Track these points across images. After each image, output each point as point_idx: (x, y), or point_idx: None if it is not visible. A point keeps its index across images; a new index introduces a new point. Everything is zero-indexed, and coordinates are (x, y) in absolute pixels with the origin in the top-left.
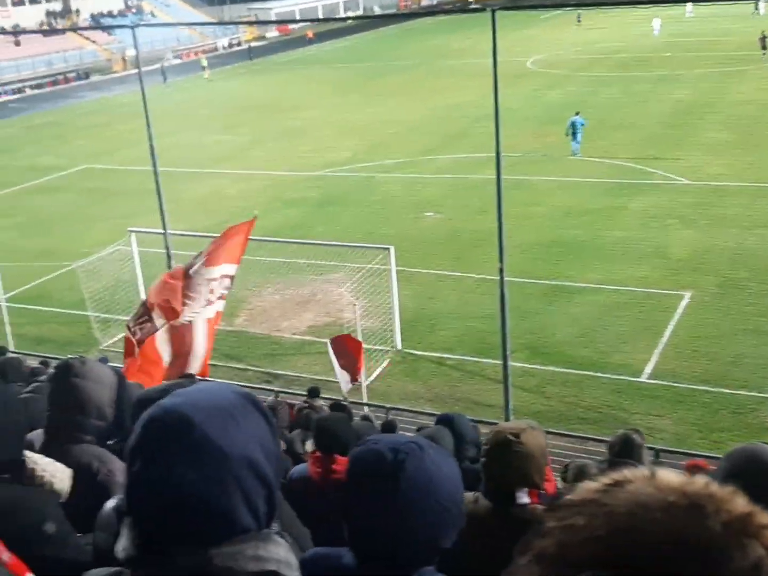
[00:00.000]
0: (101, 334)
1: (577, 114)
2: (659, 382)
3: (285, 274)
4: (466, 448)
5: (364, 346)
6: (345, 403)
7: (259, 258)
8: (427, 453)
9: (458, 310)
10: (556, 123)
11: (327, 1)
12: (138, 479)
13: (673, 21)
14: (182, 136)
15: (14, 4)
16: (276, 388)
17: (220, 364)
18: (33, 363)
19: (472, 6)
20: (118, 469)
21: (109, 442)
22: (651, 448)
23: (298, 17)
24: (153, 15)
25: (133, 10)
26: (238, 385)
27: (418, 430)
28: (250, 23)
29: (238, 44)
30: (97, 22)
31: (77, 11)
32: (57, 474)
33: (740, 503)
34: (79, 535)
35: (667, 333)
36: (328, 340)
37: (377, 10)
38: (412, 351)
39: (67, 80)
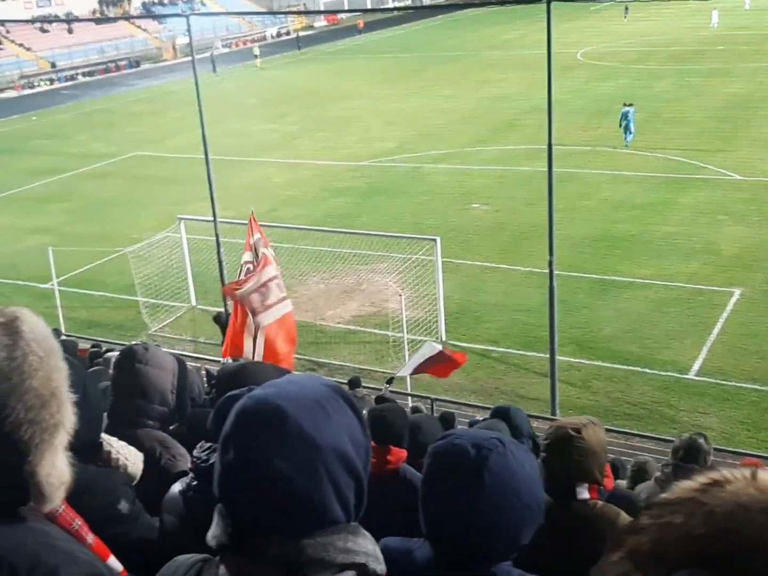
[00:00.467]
0: (150, 319)
1: (629, 105)
2: (707, 380)
3: (330, 263)
4: (522, 441)
5: (408, 336)
6: (387, 396)
7: (304, 247)
8: (509, 450)
9: (504, 303)
10: (606, 116)
11: None
12: (231, 468)
13: (731, 13)
14: (231, 124)
15: None
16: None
17: None
18: (84, 346)
19: None
20: (180, 453)
21: (171, 427)
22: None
23: (346, 7)
24: (203, 4)
25: None
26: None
27: (471, 424)
28: (300, 13)
29: (287, 33)
30: (149, 11)
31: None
32: (130, 457)
33: None
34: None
35: (716, 330)
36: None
37: (426, 0)
38: (456, 342)
39: (118, 68)
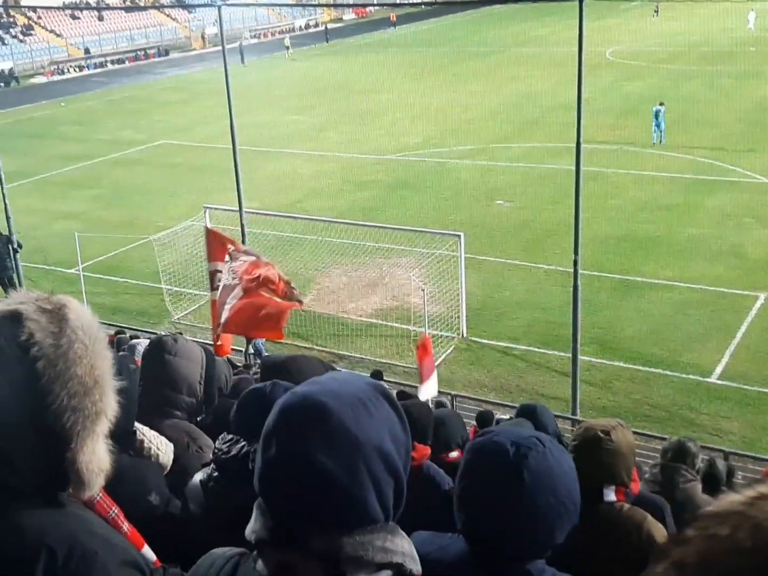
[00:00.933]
0: (173, 306)
1: (661, 104)
2: (729, 384)
3: (354, 256)
4: None
5: (430, 332)
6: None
7: (328, 239)
8: (548, 448)
9: (526, 300)
10: (633, 115)
11: None
12: (273, 463)
13: (766, 14)
14: (258, 115)
15: None
16: (341, 370)
17: (287, 342)
18: (108, 332)
19: None
20: (207, 444)
21: (198, 418)
22: (720, 450)
23: (375, 0)
24: None
25: None
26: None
27: (497, 423)
28: (330, 5)
29: (315, 25)
30: (179, 0)
31: None
32: (161, 447)
33: None
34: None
35: (740, 334)
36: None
37: None
38: (477, 339)
39: (147, 56)
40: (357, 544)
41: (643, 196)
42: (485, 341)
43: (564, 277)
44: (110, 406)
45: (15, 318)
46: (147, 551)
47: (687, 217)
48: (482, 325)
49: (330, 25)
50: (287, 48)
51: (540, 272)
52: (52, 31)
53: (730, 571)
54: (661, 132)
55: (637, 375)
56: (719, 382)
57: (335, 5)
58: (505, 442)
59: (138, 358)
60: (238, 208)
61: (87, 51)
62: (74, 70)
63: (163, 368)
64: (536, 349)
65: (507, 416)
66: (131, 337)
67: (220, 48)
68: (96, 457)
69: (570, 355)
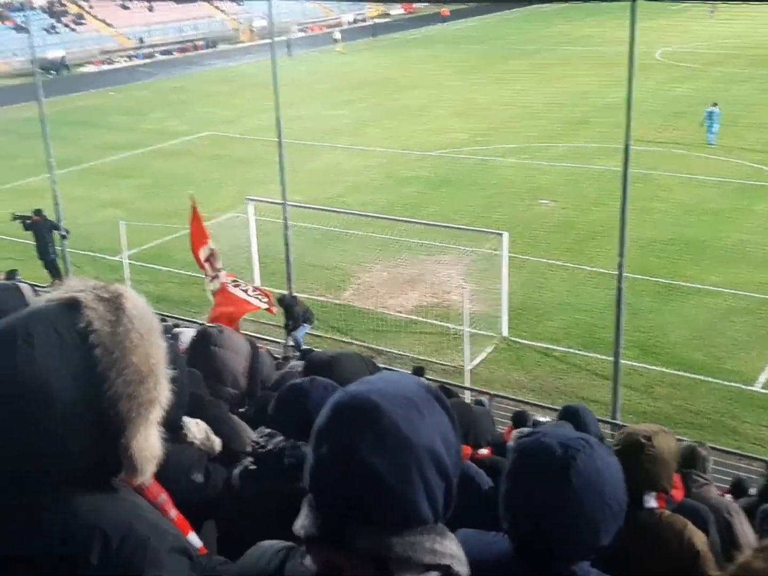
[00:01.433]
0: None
1: (715, 105)
2: None
3: (394, 252)
4: None
5: (469, 330)
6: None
7: (369, 234)
8: (596, 450)
9: (568, 302)
10: (682, 117)
11: None
12: (324, 461)
13: None
14: (302, 108)
15: None
16: (392, 369)
17: (326, 335)
18: None
19: None
20: (247, 437)
21: (241, 410)
22: (762, 461)
23: None
24: None
25: None
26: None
27: (535, 425)
28: (379, 0)
29: (363, 20)
30: None
31: None
32: (206, 442)
33: None
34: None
35: None
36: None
37: None
38: (517, 339)
39: (195, 48)
40: (406, 545)
41: (689, 199)
42: (525, 341)
43: (606, 279)
44: (164, 394)
45: (73, 306)
46: (193, 537)
47: (734, 221)
48: (523, 325)
49: (377, 21)
50: (336, 41)
51: (582, 273)
52: (102, 21)
53: None
54: (714, 134)
55: (679, 381)
56: (763, 390)
57: (383, 1)
58: (552, 443)
59: (182, 347)
60: (280, 201)
61: (141, 41)
62: (123, 60)
63: (208, 359)
64: (577, 351)
65: (546, 418)
66: (174, 326)
67: (266, 41)
68: (149, 444)
69: (611, 358)
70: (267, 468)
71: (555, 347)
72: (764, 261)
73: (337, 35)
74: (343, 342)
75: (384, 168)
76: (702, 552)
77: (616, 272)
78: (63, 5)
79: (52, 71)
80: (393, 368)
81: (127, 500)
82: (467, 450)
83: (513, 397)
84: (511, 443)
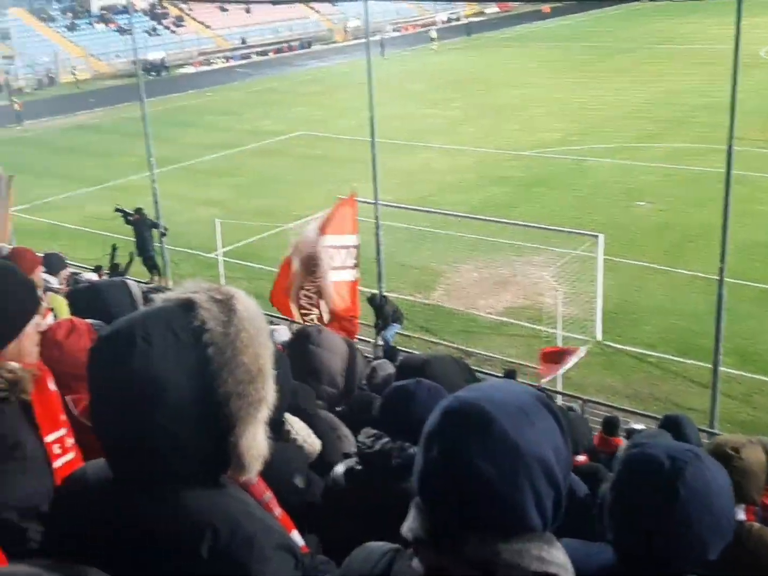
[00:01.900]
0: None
1: None
2: None
3: (486, 253)
4: None
5: (562, 333)
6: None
7: (461, 234)
8: (704, 462)
9: (664, 306)
10: None
11: None
12: (434, 465)
13: None
14: (395, 107)
15: None
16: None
17: (415, 335)
18: None
19: None
20: (345, 435)
21: (338, 409)
22: None
23: None
24: None
25: None
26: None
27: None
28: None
29: (457, 20)
30: None
31: None
32: (308, 439)
33: None
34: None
35: None
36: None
37: None
38: (611, 344)
39: (290, 48)
40: (514, 552)
41: None
42: (620, 346)
43: (705, 283)
44: (271, 394)
45: (188, 306)
46: (296, 536)
47: None
48: (617, 330)
49: (472, 19)
50: (432, 39)
51: (680, 277)
52: (201, 23)
53: None
54: None
55: None
56: None
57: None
58: (660, 454)
59: (277, 345)
60: (372, 200)
61: (243, 41)
62: (221, 61)
63: (306, 358)
64: (673, 357)
65: (641, 426)
66: (269, 323)
67: (360, 40)
68: (256, 442)
69: (708, 365)
70: (374, 468)
71: (650, 352)
72: None
73: (434, 34)
74: (432, 342)
75: (476, 167)
76: None
77: (715, 277)
78: (164, 8)
79: (152, 72)
80: (483, 370)
81: (236, 497)
82: None
83: (606, 402)
84: (619, 453)
